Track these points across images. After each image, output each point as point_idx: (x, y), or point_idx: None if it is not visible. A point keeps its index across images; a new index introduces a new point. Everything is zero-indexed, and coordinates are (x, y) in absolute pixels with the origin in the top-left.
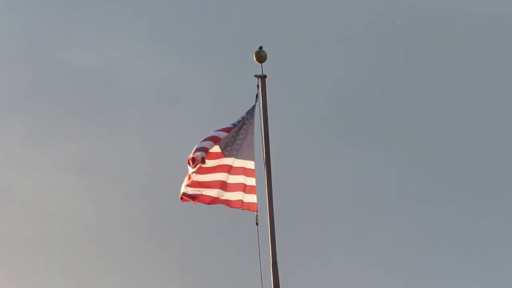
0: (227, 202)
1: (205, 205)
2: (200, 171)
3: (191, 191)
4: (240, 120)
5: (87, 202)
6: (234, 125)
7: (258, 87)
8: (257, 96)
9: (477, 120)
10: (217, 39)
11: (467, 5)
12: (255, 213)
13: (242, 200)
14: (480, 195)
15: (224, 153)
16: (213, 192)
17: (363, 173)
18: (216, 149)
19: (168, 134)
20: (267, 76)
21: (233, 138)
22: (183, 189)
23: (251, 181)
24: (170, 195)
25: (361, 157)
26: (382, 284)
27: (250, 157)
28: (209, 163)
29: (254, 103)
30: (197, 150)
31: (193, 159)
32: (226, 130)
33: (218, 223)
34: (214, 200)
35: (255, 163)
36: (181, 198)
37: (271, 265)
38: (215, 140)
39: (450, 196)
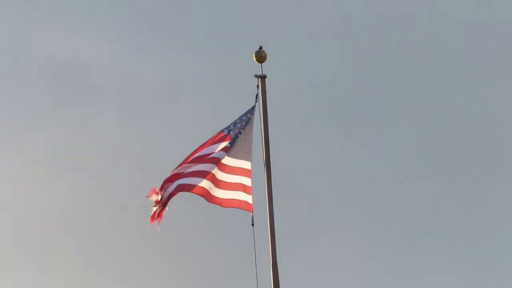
0: (219, 201)
1: (199, 201)
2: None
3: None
4: (237, 123)
5: (58, 195)
6: (228, 130)
7: (258, 87)
8: (257, 96)
9: (468, 115)
10: (217, 38)
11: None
12: (251, 214)
13: (242, 200)
14: (468, 189)
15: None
16: (204, 183)
17: (364, 173)
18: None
19: (166, 133)
20: (267, 76)
21: (233, 140)
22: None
23: (248, 182)
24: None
25: (362, 157)
26: (383, 284)
27: (247, 157)
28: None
29: (254, 103)
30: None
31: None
32: (225, 143)
33: (215, 223)
34: (207, 195)
35: (252, 164)
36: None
37: (271, 265)
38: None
39: (449, 195)
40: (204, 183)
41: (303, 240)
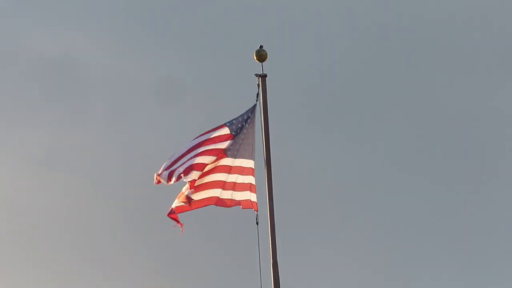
0: (230, 202)
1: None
2: (199, 177)
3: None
4: (238, 120)
5: (54, 195)
6: (229, 124)
7: (258, 86)
8: (257, 95)
9: (468, 115)
10: (217, 37)
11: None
12: (256, 212)
13: (250, 200)
14: (463, 185)
15: (226, 154)
16: (215, 192)
17: (365, 172)
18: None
19: (165, 132)
20: (268, 75)
21: (235, 139)
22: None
23: (252, 180)
24: (151, 191)
25: (362, 156)
26: (383, 283)
27: (250, 156)
28: (208, 166)
29: (254, 102)
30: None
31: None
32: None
33: (217, 222)
34: (214, 201)
35: (254, 162)
36: (172, 212)
37: (271, 264)
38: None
39: (448, 194)
40: (218, 192)
41: (303, 239)
